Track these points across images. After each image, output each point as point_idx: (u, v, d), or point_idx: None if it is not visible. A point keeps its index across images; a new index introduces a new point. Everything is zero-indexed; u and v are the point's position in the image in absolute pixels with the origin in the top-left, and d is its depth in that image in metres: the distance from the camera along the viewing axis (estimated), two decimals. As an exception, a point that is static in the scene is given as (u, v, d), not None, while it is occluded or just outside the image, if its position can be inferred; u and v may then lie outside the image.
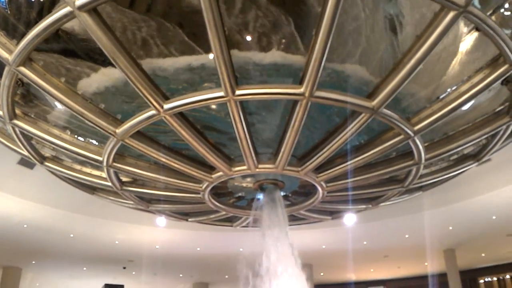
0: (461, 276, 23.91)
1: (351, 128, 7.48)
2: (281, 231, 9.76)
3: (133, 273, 24.94)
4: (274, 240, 9.70)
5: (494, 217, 19.30)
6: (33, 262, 23.28)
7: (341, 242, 21.49)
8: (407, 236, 21.36)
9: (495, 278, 26.92)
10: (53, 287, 27.58)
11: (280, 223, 9.83)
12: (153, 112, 7.00)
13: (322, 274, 26.59)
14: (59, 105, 7.70)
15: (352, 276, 27.06)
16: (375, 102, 6.82)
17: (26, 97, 8.07)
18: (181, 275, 26.45)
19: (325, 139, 8.29)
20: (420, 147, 8.20)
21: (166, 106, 6.86)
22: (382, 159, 9.13)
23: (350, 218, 16.17)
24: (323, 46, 5.82)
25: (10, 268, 23.21)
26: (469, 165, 9.97)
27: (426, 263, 23.83)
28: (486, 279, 27.07)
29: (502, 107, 8.09)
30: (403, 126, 7.46)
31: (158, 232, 20.17)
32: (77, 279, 26.16)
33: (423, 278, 24.73)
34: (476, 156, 9.77)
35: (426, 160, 8.75)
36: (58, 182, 12.04)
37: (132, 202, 11.16)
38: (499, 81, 6.89)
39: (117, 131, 7.49)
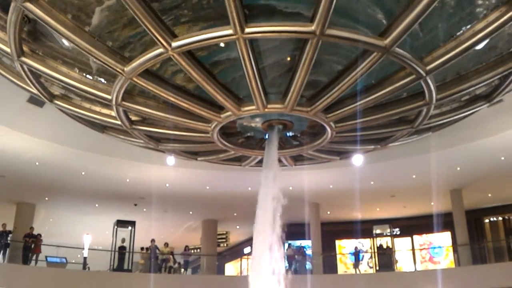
0: (466, 216, 24.24)
1: (362, 68, 7.37)
2: (271, 173, 9.84)
3: (144, 210, 25.48)
4: (265, 181, 9.84)
5: (502, 158, 19.30)
6: (46, 198, 23.79)
7: (348, 182, 21.67)
8: (414, 176, 21.49)
9: (500, 218, 27.25)
10: (66, 223, 28.33)
11: (272, 165, 9.90)
12: (161, 50, 6.91)
13: (328, 212, 27.01)
14: (66, 43, 7.62)
15: (358, 214, 27.49)
16: (387, 41, 6.67)
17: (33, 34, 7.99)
18: (190, 212, 26.98)
19: (335, 79, 8.20)
20: (432, 87, 8.09)
21: (174, 44, 6.76)
22: (392, 99, 9.05)
23: (358, 159, 16.22)
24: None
25: (24, 204, 23.77)
26: (480, 105, 9.86)
27: (432, 203, 24.07)
28: (491, 219, 27.42)
29: (517, 47, 7.91)
30: (415, 66, 7.33)
31: (168, 170, 20.40)
32: (90, 215, 26.79)
33: (428, 217, 25.06)
34: (488, 96, 9.64)
35: (437, 100, 8.65)
36: (69, 121, 12.09)
37: (141, 141, 11.24)
38: (516, 19, 6.69)
39: (125, 69, 7.44)
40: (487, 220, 27.78)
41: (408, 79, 7.78)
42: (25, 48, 7.76)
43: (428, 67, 7.42)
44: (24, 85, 9.19)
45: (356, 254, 26.28)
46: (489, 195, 24.70)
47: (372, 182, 21.99)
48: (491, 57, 8.13)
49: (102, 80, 8.55)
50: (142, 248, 24.41)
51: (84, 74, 8.38)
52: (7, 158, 18.30)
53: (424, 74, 7.54)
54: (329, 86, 8.32)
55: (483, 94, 9.69)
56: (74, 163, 19.27)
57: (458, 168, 20.59)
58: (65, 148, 17.91)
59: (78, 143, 17.60)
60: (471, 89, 8.73)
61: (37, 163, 19.02)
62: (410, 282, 22.52)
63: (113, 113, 9.27)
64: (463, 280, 21.15)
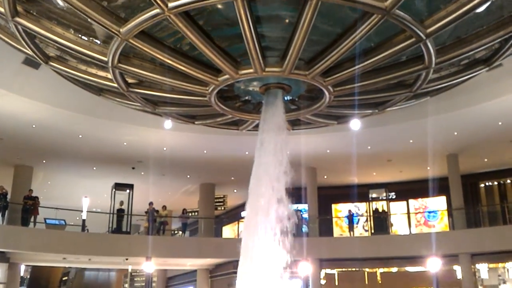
0: (462, 180, 24.44)
1: (362, 30, 7.27)
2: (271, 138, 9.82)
3: (142, 173, 25.54)
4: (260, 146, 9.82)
5: (500, 123, 19.26)
6: (44, 161, 23.78)
7: (346, 146, 21.67)
8: (411, 141, 21.48)
9: (495, 183, 27.46)
10: (64, 186, 28.46)
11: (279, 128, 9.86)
12: (157, 10, 6.80)
13: (325, 177, 27.11)
14: (61, 3, 7.49)
15: (354, 179, 27.65)
16: (387, 3, 6.56)
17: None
18: (188, 176, 27.05)
19: (334, 42, 8.11)
20: (432, 50, 8.01)
21: (170, 4, 6.64)
22: (391, 63, 8.98)
23: (355, 123, 16.21)
24: None
25: (22, 167, 23.80)
26: (480, 70, 9.80)
27: (428, 168, 24.20)
28: (487, 184, 27.63)
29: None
30: (415, 28, 7.24)
31: (166, 134, 20.31)
32: (88, 178, 26.85)
33: (424, 181, 25.21)
34: (488, 60, 9.57)
35: (436, 64, 8.58)
36: (65, 83, 11.98)
37: (138, 104, 11.18)
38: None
39: (121, 30, 7.33)
40: (482, 185, 27.99)
41: (408, 42, 7.69)
42: (19, 8, 7.62)
43: (428, 30, 7.32)
44: (18, 46, 9.08)
45: (350, 218, 26.59)
46: (485, 160, 24.83)
47: (369, 147, 22.04)
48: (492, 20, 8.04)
49: (98, 41, 8.43)
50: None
51: (80, 35, 8.26)
52: (4, 120, 18.22)
53: (424, 37, 7.46)
54: (328, 49, 8.23)
55: (483, 58, 9.62)
56: (71, 126, 19.20)
57: (455, 133, 20.62)
58: (61, 110, 17.79)
59: (74, 106, 17.49)
60: (471, 52, 8.66)
61: (34, 126, 18.95)
62: (404, 245, 22.88)
63: (109, 76, 9.18)
64: (457, 243, 21.50)
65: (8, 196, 21.66)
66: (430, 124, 18.58)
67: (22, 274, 30.19)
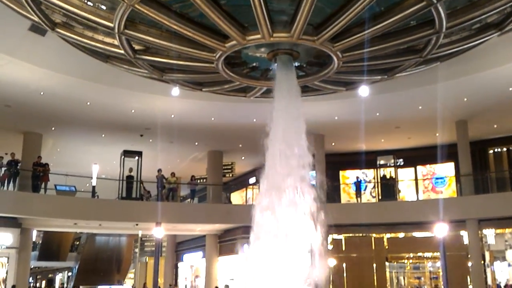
0: (471, 147, 24.28)
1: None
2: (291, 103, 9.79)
3: (150, 140, 25.59)
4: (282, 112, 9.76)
5: (510, 89, 19.03)
6: (53, 128, 23.86)
7: (354, 113, 21.52)
8: (420, 107, 21.28)
9: (504, 149, 27.30)
10: (73, 153, 28.64)
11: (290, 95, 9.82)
12: (163, -26, 6.71)
13: (333, 144, 27.05)
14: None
15: (362, 146, 27.55)
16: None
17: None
18: (196, 143, 27.08)
19: (343, 6, 7.98)
20: (442, 14, 7.86)
21: (176, -32, 6.54)
22: (401, 27, 8.84)
23: (364, 90, 16.07)
24: None
25: (31, 134, 23.89)
26: (491, 34, 9.64)
27: (437, 134, 24.06)
28: (496, 150, 27.47)
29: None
30: (426, -9, 7.10)
31: (173, 101, 20.25)
32: (97, 145, 26.97)
33: (432, 148, 25.11)
34: (499, 25, 9.40)
35: (447, 28, 8.44)
36: (72, 50, 11.92)
37: (145, 71, 11.13)
38: None
39: (127, -5, 7.25)
40: (491, 151, 27.85)
41: (419, 6, 7.55)
42: (23, -26, 7.53)
43: (440, -7, 7.18)
44: (24, 13, 9.01)
45: (358, 184, 26.67)
46: (495, 126, 24.64)
47: (377, 113, 21.91)
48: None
49: (103, 7, 8.35)
50: (144, 187, 24.93)
51: (85, 1, 8.17)
52: (11, 87, 18.24)
53: (435, 1, 7.31)
54: (337, 14, 8.11)
55: (494, 22, 9.44)
56: (78, 93, 19.20)
57: (465, 99, 20.41)
58: (69, 77, 17.76)
59: (82, 73, 17.45)
60: (482, 16, 8.49)
61: (42, 93, 18.97)
62: (411, 210, 22.99)
63: (116, 42, 9.13)
64: (465, 209, 21.56)
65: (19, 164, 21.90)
66: (440, 90, 18.39)
67: (34, 239, 30.73)
